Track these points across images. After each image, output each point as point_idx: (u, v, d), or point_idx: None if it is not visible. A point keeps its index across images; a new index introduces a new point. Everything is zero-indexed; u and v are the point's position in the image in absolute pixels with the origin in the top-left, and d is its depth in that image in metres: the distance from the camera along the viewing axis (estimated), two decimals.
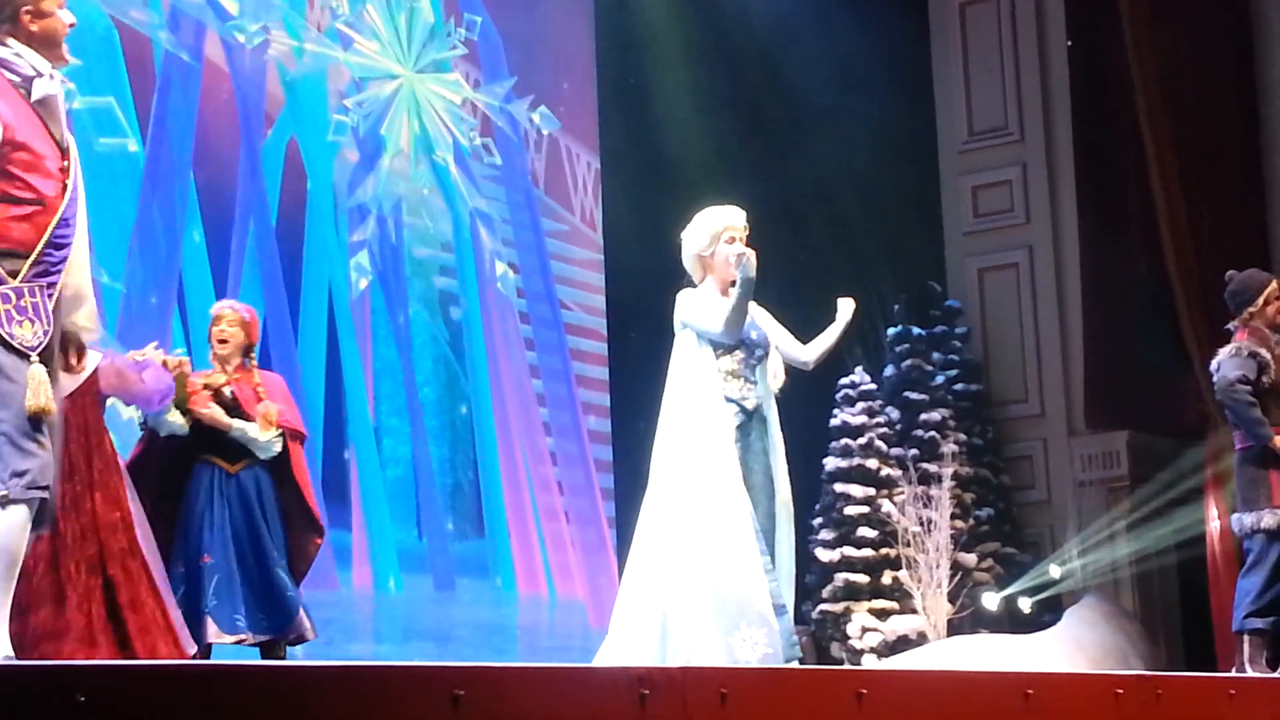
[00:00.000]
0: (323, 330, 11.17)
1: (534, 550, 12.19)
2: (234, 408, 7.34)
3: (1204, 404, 12.14)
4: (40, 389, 4.46)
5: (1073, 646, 11.61)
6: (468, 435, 12.01)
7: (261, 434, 7.32)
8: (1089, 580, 12.76)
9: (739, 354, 6.65)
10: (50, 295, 4.55)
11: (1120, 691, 5.71)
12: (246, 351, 7.50)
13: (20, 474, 4.40)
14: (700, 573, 6.31)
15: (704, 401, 6.53)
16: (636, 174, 13.07)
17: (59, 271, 4.57)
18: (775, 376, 6.81)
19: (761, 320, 6.82)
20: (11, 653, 4.41)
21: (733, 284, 6.61)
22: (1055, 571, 12.86)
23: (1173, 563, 13.02)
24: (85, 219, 4.74)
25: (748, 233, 6.73)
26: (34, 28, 4.59)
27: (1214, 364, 8.16)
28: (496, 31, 12.59)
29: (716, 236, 6.68)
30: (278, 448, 7.38)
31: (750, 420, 6.63)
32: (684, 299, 6.69)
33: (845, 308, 6.83)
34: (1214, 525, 12.29)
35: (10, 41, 4.58)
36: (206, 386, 7.33)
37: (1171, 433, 13.18)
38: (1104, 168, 13.55)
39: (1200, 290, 12.42)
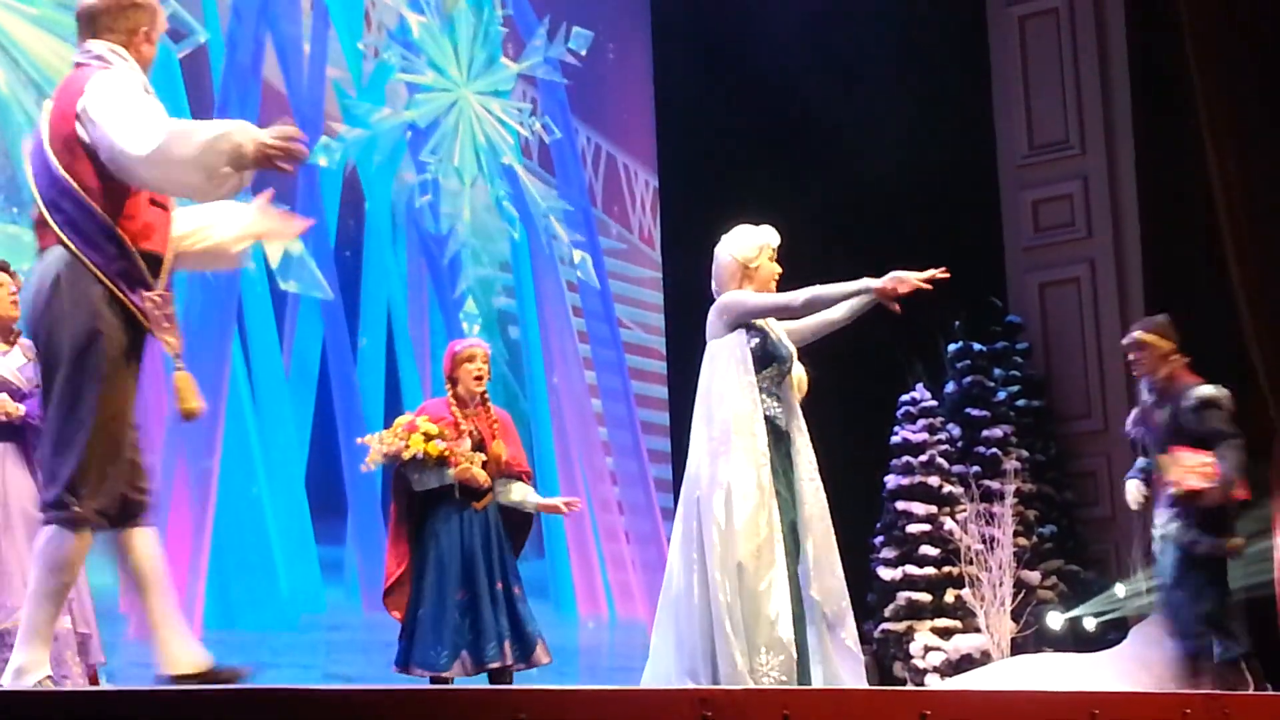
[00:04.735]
0: (382, 351, 11.18)
1: (594, 571, 12.16)
2: (479, 448, 7.51)
3: (1268, 418, 12.02)
4: (191, 390, 4.48)
5: (1138, 666, 11.47)
6: (527, 455, 12.00)
7: (516, 494, 7.60)
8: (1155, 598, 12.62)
9: (772, 370, 6.60)
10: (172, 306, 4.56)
11: (1188, 711, 5.64)
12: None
13: (92, 497, 4.35)
14: (726, 595, 6.25)
15: (743, 419, 6.45)
16: (695, 191, 13.05)
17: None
18: (799, 389, 6.78)
19: (778, 330, 6.75)
20: (51, 672, 4.38)
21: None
22: (1120, 590, 12.74)
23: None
24: None
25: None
26: (143, 50, 4.65)
27: None
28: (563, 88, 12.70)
29: (763, 250, 6.68)
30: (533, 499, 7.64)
31: (779, 439, 6.57)
32: (731, 296, 6.61)
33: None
34: None
35: (128, 56, 4.63)
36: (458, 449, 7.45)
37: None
38: (1166, 180, 13.44)
39: (1265, 302, 12.30)
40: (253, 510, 10.24)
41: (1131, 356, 8.12)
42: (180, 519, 9.83)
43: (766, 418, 6.50)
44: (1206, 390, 7.91)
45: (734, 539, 6.27)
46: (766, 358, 6.56)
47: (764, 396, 6.53)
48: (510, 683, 7.40)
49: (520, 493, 7.65)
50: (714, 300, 6.66)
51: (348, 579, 10.71)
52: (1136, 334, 8.07)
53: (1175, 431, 8.00)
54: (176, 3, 10.17)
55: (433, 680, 7.28)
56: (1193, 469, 8.00)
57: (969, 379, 13.49)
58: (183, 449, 9.83)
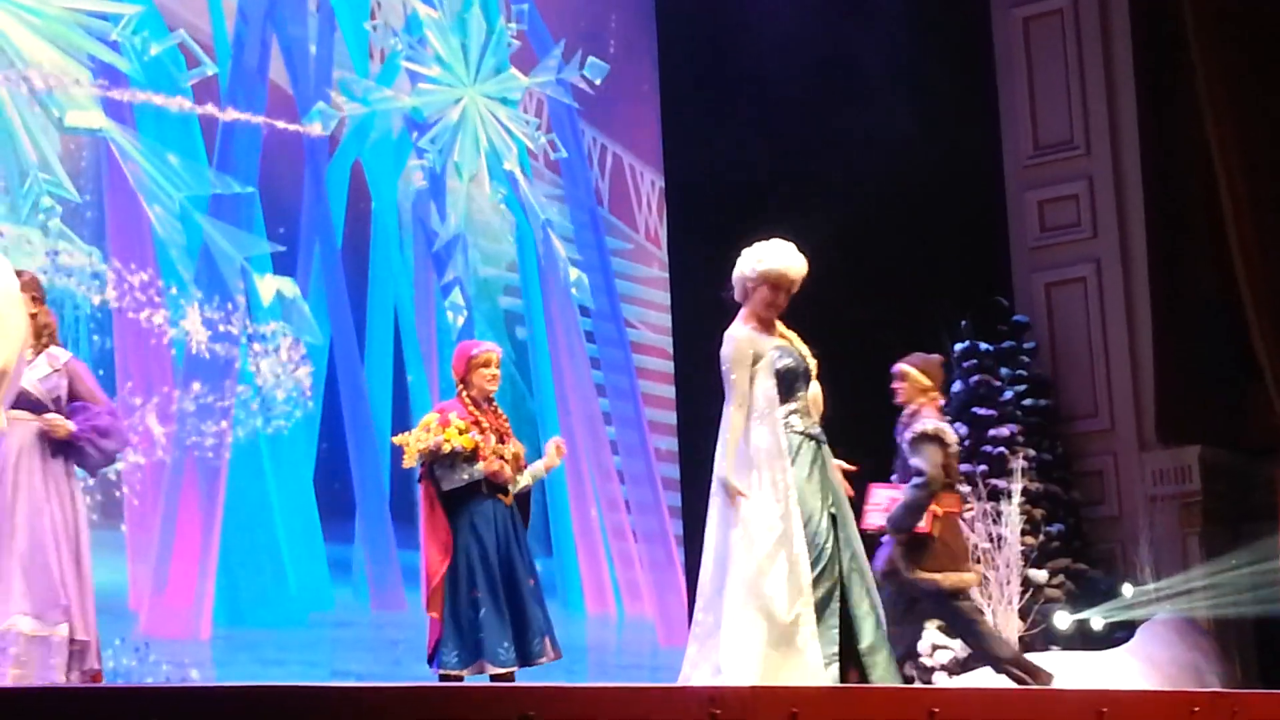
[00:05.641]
0: (389, 351, 11.20)
1: (602, 569, 12.17)
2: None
3: (1275, 417, 12.02)
4: None
5: (1146, 664, 11.48)
6: (534, 455, 12.01)
7: (525, 479, 7.66)
8: (1162, 597, 12.63)
9: (800, 387, 6.64)
10: None
11: (1196, 709, 5.65)
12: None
13: None
14: (758, 611, 6.28)
15: (765, 451, 6.49)
16: (701, 191, 13.05)
17: None
18: (816, 406, 6.77)
19: (800, 346, 6.78)
20: None
21: (763, 320, 6.62)
22: (1128, 590, 12.73)
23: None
24: None
25: (796, 289, 6.73)
26: None
27: None
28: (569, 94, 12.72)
29: (766, 278, 6.65)
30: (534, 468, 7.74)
31: (820, 448, 6.61)
32: (732, 355, 6.62)
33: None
34: None
35: None
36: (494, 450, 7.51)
37: (1243, 447, 13.04)
38: (1172, 180, 13.44)
39: (1271, 301, 12.30)
40: (261, 509, 10.26)
41: (893, 385, 8.09)
42: (190, 517, 9.85)
43: (809, 435, 6.54)
44: (927, 426, 7.85)
45: (759, 572, 6.32)
46: (796, 377, 6.59)
47: (799, 418, 6.57)
48: (512, 680, 7.42)
49: (527, 475, 7.70)
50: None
51: (356, 577, 10.73)
52: (901, 365, 8.07)
53: (902, 463, 8.00)
54: (185, 33, 10.21)
55: (441, 678, 7.29)
56: (875, 506, 8.02)
57: (976, 378, 13.48)
58: (192, 448, 9.86)
